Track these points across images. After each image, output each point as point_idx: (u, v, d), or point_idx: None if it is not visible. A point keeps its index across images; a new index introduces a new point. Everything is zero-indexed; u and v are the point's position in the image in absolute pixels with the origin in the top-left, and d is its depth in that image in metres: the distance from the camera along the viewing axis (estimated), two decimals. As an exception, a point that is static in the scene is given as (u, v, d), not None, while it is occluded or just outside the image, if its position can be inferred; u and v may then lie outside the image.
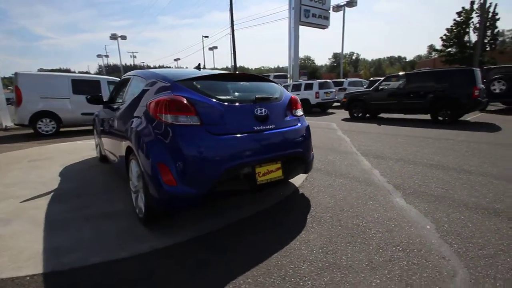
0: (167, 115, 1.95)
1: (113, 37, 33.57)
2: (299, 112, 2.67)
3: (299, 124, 2.56)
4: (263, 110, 2.26)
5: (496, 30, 24.20)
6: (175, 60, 51.35)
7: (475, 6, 24.29)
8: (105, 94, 7.89)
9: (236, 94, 2.34)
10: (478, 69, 7.72)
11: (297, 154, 2.48)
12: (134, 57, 51.30)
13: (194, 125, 1.94)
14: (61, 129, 8.07)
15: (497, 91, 9.53)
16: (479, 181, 3.16)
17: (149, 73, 2.56)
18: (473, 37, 25.13)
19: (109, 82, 8.25)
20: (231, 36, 25.12)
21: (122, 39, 34.00)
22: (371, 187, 3.10)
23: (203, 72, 2.42)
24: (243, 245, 2.00)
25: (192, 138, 1.92)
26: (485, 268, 1.68)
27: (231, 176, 2.03)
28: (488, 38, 23.80)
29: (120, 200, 2.83)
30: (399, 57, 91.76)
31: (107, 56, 48.11)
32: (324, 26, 17.79)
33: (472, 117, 8.91)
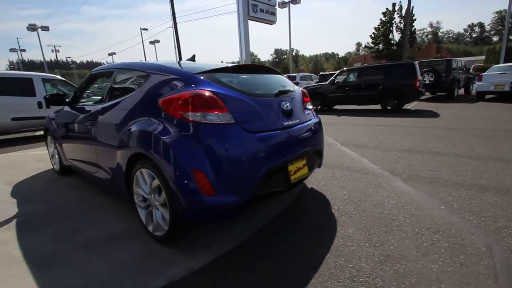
0: (196, 113, 1.67)
1: (32, 27, 27.42)
2: (310, 105, 2.61)
3: (314, 118, 2.51)
4: (288, 104, 2.13)
5: (413, 29, 28.01)
6: (110, 54, 46.01)
7: (396, 8, 27.68)
8: (41, 94, 6.68)
9: (259, 87, 2.15)
10: (417, 62, 8.78)
11: (317, 148, 2.42)
12: (57, 51, 44.41)
13: (228, 123, 1.71)
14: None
15: (427, 82, 11.02)
16: (453, 161, 3.58)
17: (152, 65, 2.17)
18: (396, 35, 28.70)
19: (45, 80, 6.96)
20: (174, 29, 23.79)
21: (43, 30, 28.44)
22: (370, 175, 3.23)
23: (215, 65, 2.16)
24: (288, 249, 1.87)
25: (230, 138, 1.69)
26: (509, 238, 1.88)
27: (270, 177, 1.86)
28: (408, 36, 27.35)
29: (116, 219, 2.38)
30: (333, 53, 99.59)
31: (23, 50, 40.32)
32: (271, 22, 17.99)
33: (411, 105, 10.14)
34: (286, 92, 2.23)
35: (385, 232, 2.02)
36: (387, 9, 28.27)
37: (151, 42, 33.30)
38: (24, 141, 6.61)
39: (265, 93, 2.11)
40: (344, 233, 2.03)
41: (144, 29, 32.16)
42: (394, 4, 27.69)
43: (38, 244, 2.03)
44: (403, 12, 27.17)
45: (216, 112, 1.69)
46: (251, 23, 15.39)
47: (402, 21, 27.64)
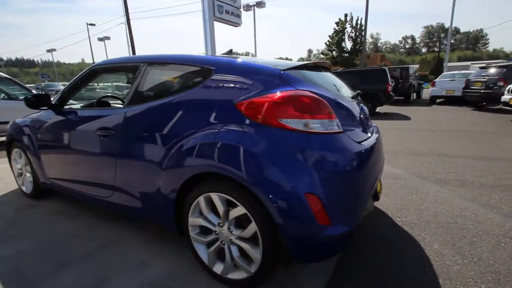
0: (301, 120, 1.31)
1: None
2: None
3: (374, 124, 2.29)
4: (366, 109, 1.88)
5: (363, 39, 30.38)
6: (49, 51, 39.97)
7: (348, 18, 29.76)
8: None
9: (337, 88, 1.83)
10: (387, 68, 9.36)
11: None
12: (-23, 45, 37.32)
13: (338, 132, 1.38)
14: None
15: (389, 87, 11.88)
16: (462, 162, 3.72)
17: (212, 59, 1.69)
18: (348, 43, 30.83)
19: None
20: (127, 25, 21.99)
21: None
22: (400, 180, 3.16)
23: (288, 62, 1.79)
24: (384, 278, 1.60)
25: (343, 151, 1.35)
26: None
27: (371, 195, 1.58)
28: (358, 45, 29.52)
29: (148, 255, 1.83)
30: (287, 58, 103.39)
31: None
32: (236, 24, 17.71)
33: (378, 109, 10.78)
34: (358, 94, 1.98)
35: (470, 245, 1.89)
36: (339, 19, 30.21)
37: (100, 39, 30.13)
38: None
39: (345, 95, 1.82)
40: (431, 250, 1.84)
41: (91, 24, 29.09)
42: (346, 15, 29.73)
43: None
44: (354, 22, 29.37)
45: (324, 119, 1.34)
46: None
47: (353, 30, 29.81)
